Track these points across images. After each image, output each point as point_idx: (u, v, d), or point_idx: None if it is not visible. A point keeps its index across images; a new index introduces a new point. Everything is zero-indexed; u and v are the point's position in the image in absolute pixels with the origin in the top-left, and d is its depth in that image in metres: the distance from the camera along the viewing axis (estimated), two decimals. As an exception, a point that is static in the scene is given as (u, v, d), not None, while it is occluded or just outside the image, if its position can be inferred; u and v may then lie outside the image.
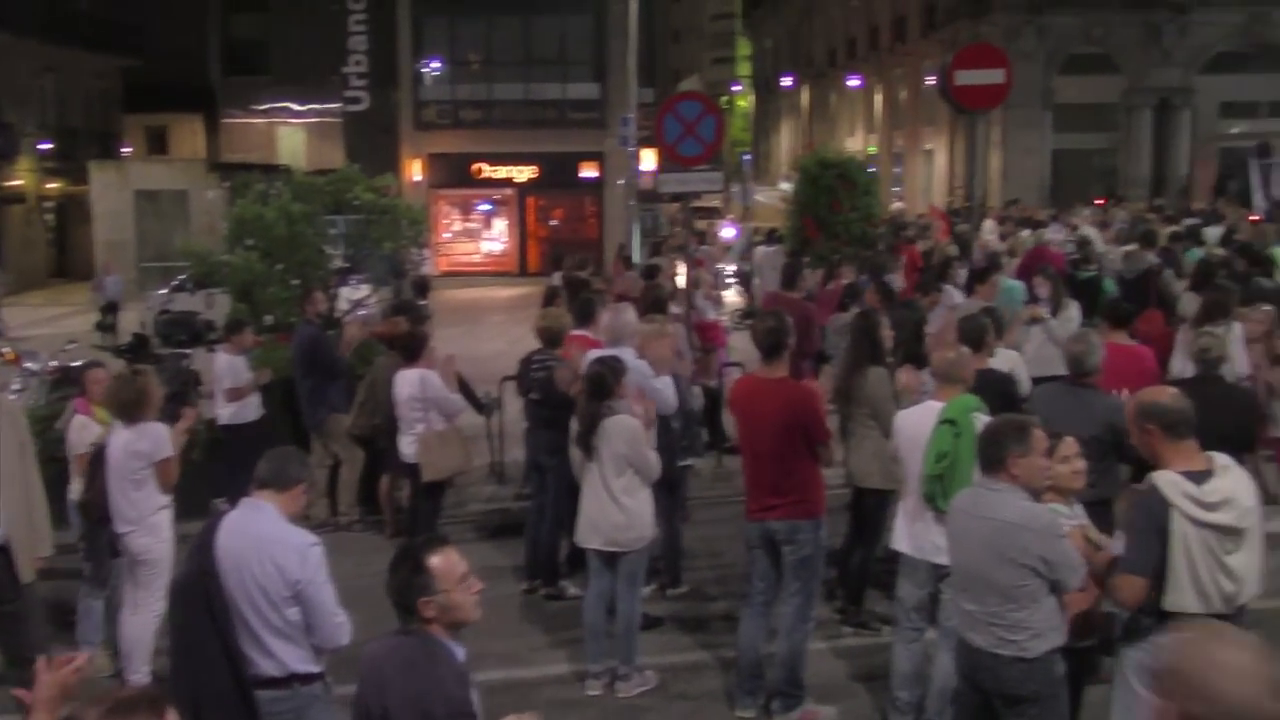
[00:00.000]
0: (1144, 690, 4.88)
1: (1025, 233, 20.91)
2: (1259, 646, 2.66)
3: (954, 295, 12.10)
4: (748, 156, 42.86)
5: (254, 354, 11.49)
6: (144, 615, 7.33)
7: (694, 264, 13.72)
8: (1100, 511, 6.36)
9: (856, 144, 54.59)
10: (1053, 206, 31.83)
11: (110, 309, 25.88)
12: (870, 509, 8.18)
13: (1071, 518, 5.31)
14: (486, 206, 37.32)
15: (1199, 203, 30.39)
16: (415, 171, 35.73)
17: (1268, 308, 9.79)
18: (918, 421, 6.62)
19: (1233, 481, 4.84)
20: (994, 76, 11.79)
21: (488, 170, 36.20)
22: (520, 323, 9.76)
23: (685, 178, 12.63)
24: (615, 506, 7.25)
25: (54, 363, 14.39)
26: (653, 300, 9.91)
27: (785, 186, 19.20)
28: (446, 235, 36.98)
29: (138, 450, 7.17)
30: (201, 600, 4.85)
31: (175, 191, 33.30)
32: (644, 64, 33.71)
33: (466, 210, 37.50)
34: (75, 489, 8.17)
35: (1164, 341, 10.81)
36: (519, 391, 9.68)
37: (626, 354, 8.18)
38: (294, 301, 12.42)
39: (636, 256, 23.83)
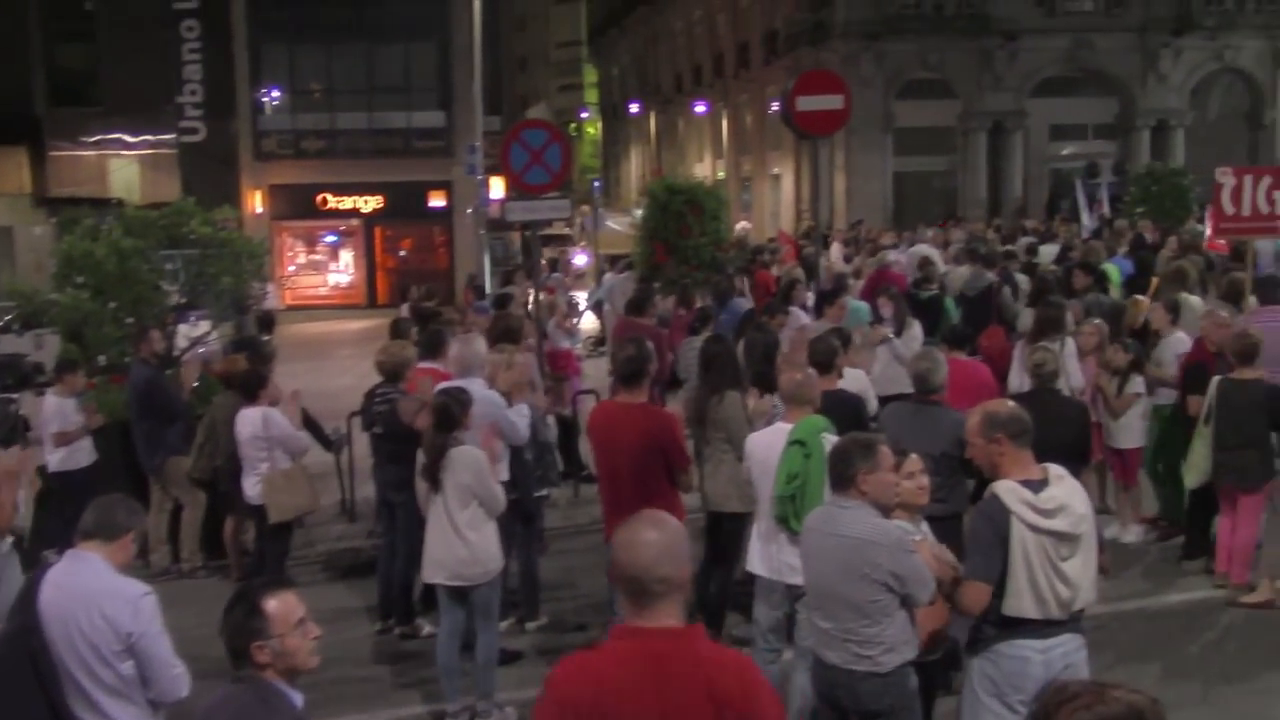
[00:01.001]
0: (989, 699, 5.01)
1: (889, 253, 21.41)
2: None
3: (801, 317, 12.33)
4: (597, 183, 43.05)
5: (87, 396, 11.05)
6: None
7: (546, 291, 13.70)
8: (948, 526, 6.53)
9: (705, 169, 55.39)
10: (896, 228, 32.72)
11: (-70, 353, 24.59)
12: (728, 533, 8.24)
13: (917, 534, 5.43)
14: (332, 238, 36.73)
15: (1033, 221, 31.55)
16: (256, 203, 34.97)
17: (1098, 321, 10.19)
18: (768, 444, 6.70)
19: (1067, 490, 5.03)
20: (834, 102, 12.05)
21: (333, 201, 35.64)
22: (370, 356, 9.59)
23: (533, 206, 12.62)
24: (460, 540, 7.15)
25: None
26: (503, 330, 9.85)
27: (640, 214, 19.33)
28: (291, 268, 36.28)
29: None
30: (25, 659, 4.61)
31: (-1, 228, 31.96)
32: (490, 91, 33.66)
33: (311, 242, 36.84)
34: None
35: (1006, 357, 11.19)
36: (363, 426, 9.52)
37: (476, 385, 8.10)
38: (128, 341, 12.00)
39: (488, 286, 23.70)
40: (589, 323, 21.69)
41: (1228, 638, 8.29)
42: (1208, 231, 18.99)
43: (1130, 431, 9.79)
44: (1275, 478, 8.70)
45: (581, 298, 23.11)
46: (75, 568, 4.77)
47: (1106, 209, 26.81)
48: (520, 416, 8.15)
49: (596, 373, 15.95)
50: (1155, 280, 13.52)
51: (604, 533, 7.24)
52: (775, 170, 49.17)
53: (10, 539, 7.00)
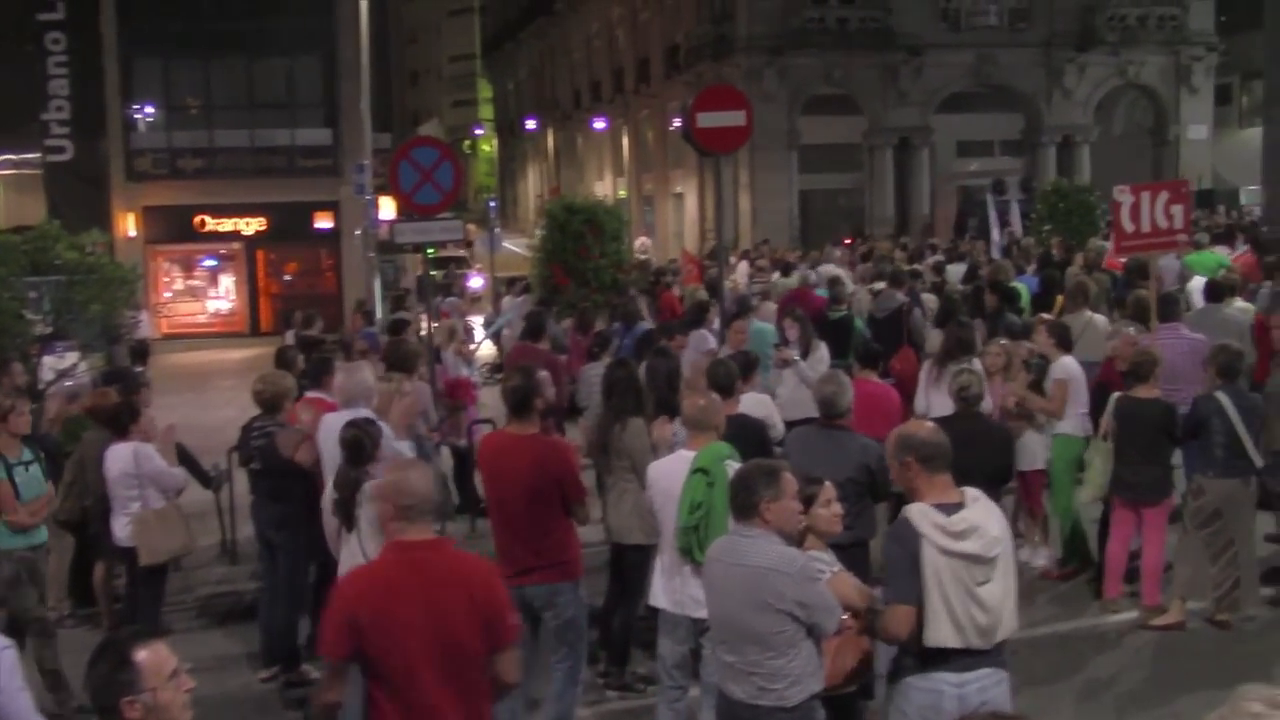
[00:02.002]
0: None
1: (776, 275, 21.68)
2: None
3: (709, 340, 12.39)
4: (493, 203, 42.91)
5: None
6: None
7: (440, 316, 13.62)
8: (855, 554, 6.61)
9: (605, 188, 55.61)
10: (802, 247, 33.13)
11: None
12: (631, 566, 8.23)
13: (835, 565, 5.48)
14: (211, 262, 36.08)
15: (939, 239, 32.20)
16: (129, 226, 34.24)
17: (1004, 341, 10.40)
18: (670, 472, 6.72)
19: (980, 512, 5.12)
20: (735, 118, 12.14)
21: (211, 223, 35.01)
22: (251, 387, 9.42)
23: (424, 227, 12.53)
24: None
25: None
26: (398, 357, 9.75)
27: (538, 234, 19.33)
28: (167, 295, 35.57)
29: None
30: None
31: None
32: (379, 107, 33.41)
33: (189, 267, 36.15)
34: None
35: (918, 379, 11.36)
36: (239, 462, 9.35)
37: (363, 415, 8.00)
38: (-13, 374, 11.62)
39: (379, 311, 23.48)
40: (486, 349, 21.59)
41: (1139, 661, 8.49)
42: (1108, 248, 19.55)
43: (1028, 454, 9.97)
44: (1173, 495, 8.97)
45: (477, 322, 23.01)
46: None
47: (1017, 227, 27.43)
48: (406, 451, 8.06)
49: (494, 401, 15.85)
50: (1061, 299, 13.85)
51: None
52: (678, 189, 49.53)
53: None
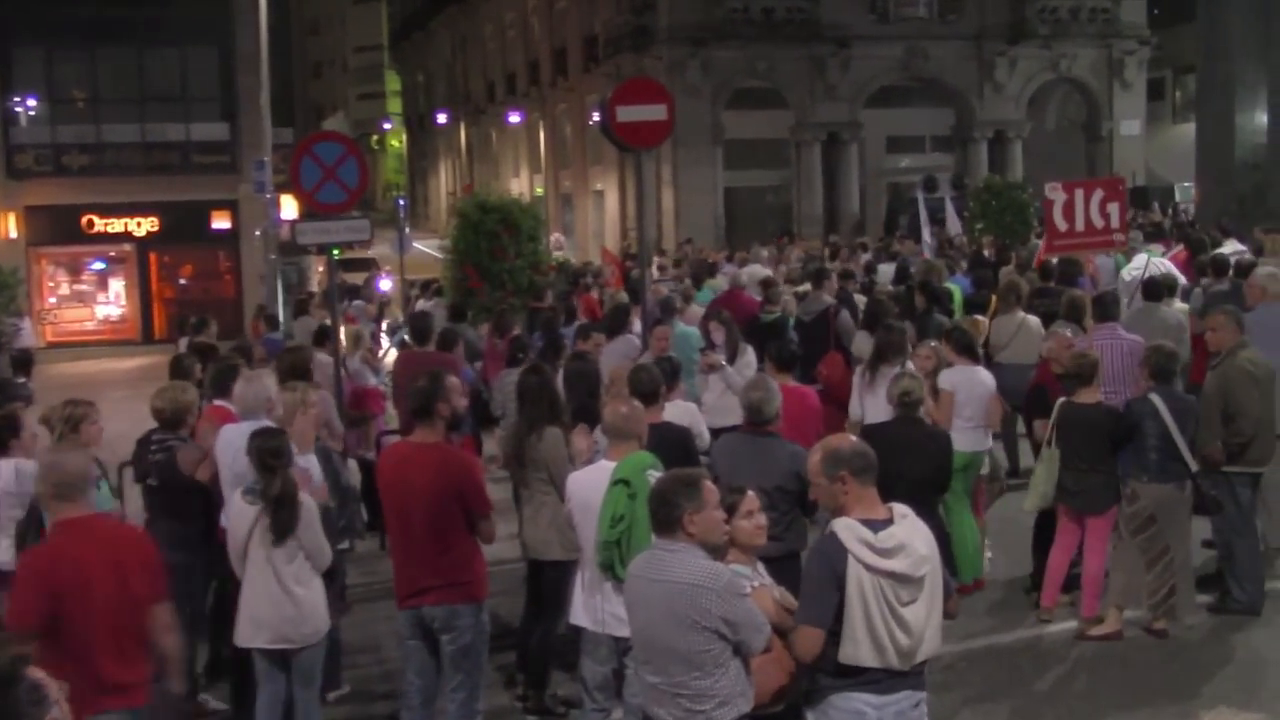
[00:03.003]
0: None
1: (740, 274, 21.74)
2: None
3: (634, 344, 12.40)
4: (402, 201, 42.62)
5: None
6: None
7: (346, 321, 13.49)
8: (785, 566, 6.63)
9: (521, 185, 55.53)
10: (727, 246, 33.30)
11: None
12: (550, 583, 8.20)
13: (756, 579, 5.49)
14: (100, 265, 35.48)
15: (869, 238, 32.53)
16: (9, 227, 33.57)
17: (934, 344, 10.51)
18: (590, 484, 6.71)
19: (908, 529, 5.15)
20: (656, 112, 12.15)
21: (100, 223, 34.41)
22: (146, 398, 9.23)
23: (328, 227, 12.42)
24: (287, 597, 6.94)
25: None
26: (290, 365, 9.63)
27: (453, 233, 19.20)
28: (52, 300, 34.94)
29: None
30: None
31: None
32: (280, 101, 33.07)
33: (76, 270, 35.52)
34: None
35: (846, 383, 11.46)
36: (135, 478, 9.18)
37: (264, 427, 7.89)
38: None
39: (281, 315, 23.22)
40: (394, 356, 21.44)
41: (1077, 672, 8.63)
42: (1041, 246, 19.89)
43: (973, 460, 10.10)
44: (1120, 502, 9.12)
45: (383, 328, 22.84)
46: None
47: (954, 225, 27.81)
48: (310, 464, 7.96)
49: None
50: (994, 299, 14.05)
51: (395, 591, 7.13)
52: (598, 186, 49.58)
53: None
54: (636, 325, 13.13)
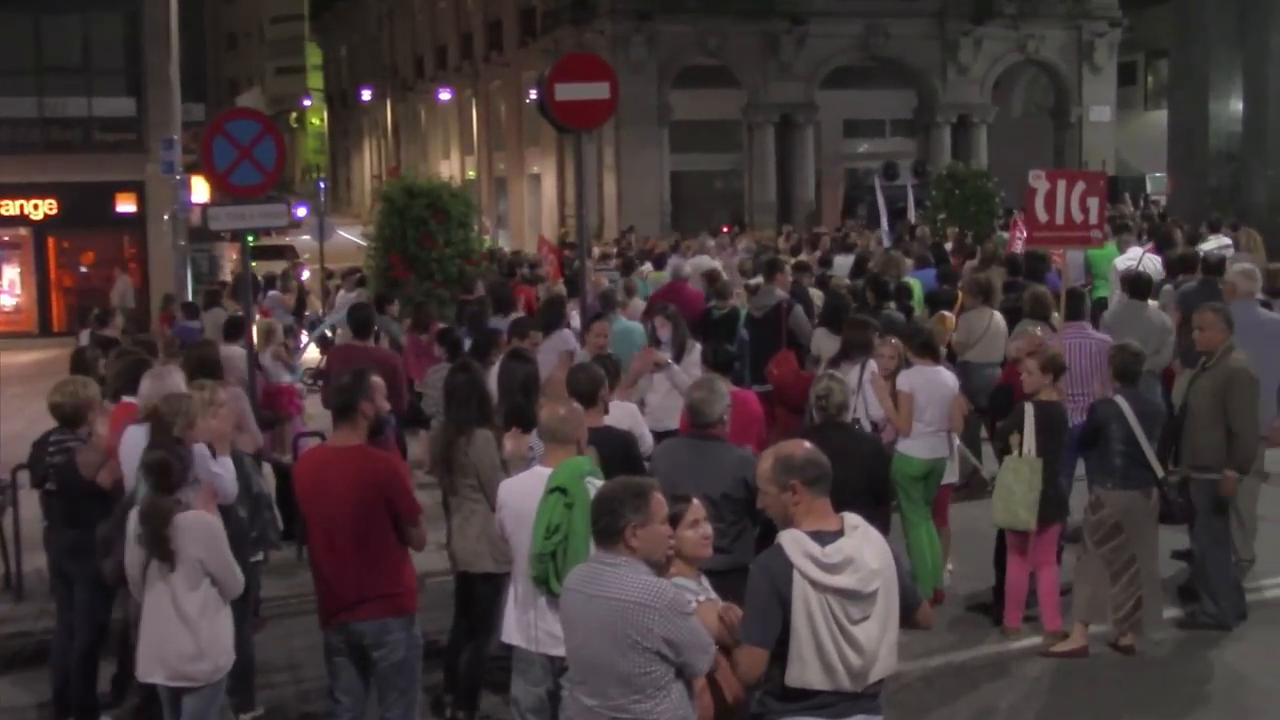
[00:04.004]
0: None
1: (646, 266, 21.82)
2: None
3: (571, 340, 12.39)
4: (323, 184, 42.41)
5: None
6: None
7: (260, 314, 13.41)
8: (733, 580, 6.64)
9: (452, 168, 55.34)
10: (673, 234, 33.38)
11: None
12: (480, 597, 8.20)
13: (699, 593, 5.51)
14: (-8, 251, 35.04)
15: (825, 228, 32.74)
16: (-109, 210, 33.07)
17: (895, 341, 10.57)
18: (525, 491, 6.71)
19: (858, 542, 5.15)
20: (598, 90, 12.15)
21: (-8, 206, 33.98)
22: (44, 394, 9.14)
23: (242, 211, 12.33)
24: (186, 630, 6.82)
25: None
26: (197, 361, 9.54)
27: (378, 219, 19.08)
28: (-61, 289, 34.48)
29: None
30: None
31: None
32: (191, 74, 32.76)
33: (-35, 257, 35.07)
34: None
35: (800, 385, 11.49)
36: (32, 483, 9.09)
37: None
38: None
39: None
40: (313, 352, 21.31)
41: (1039, 691, 8.73)
42: (1007, 238, 20.11)
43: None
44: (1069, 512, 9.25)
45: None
46: None
47: (913, 215, 28.04)
48: (224, 470, 7.91)
49: (323, 411, 15.66)
50: (960, 294, 14.16)
51: (319, 606, 7.09)
52: (534, 169, 49.56)
53: None
54: (575, 320, 13.13)
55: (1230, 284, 11.46)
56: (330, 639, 7.02)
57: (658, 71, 41.28)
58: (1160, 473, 9.02)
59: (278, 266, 32.22)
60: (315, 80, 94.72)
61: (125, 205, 34.36)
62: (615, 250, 26.02)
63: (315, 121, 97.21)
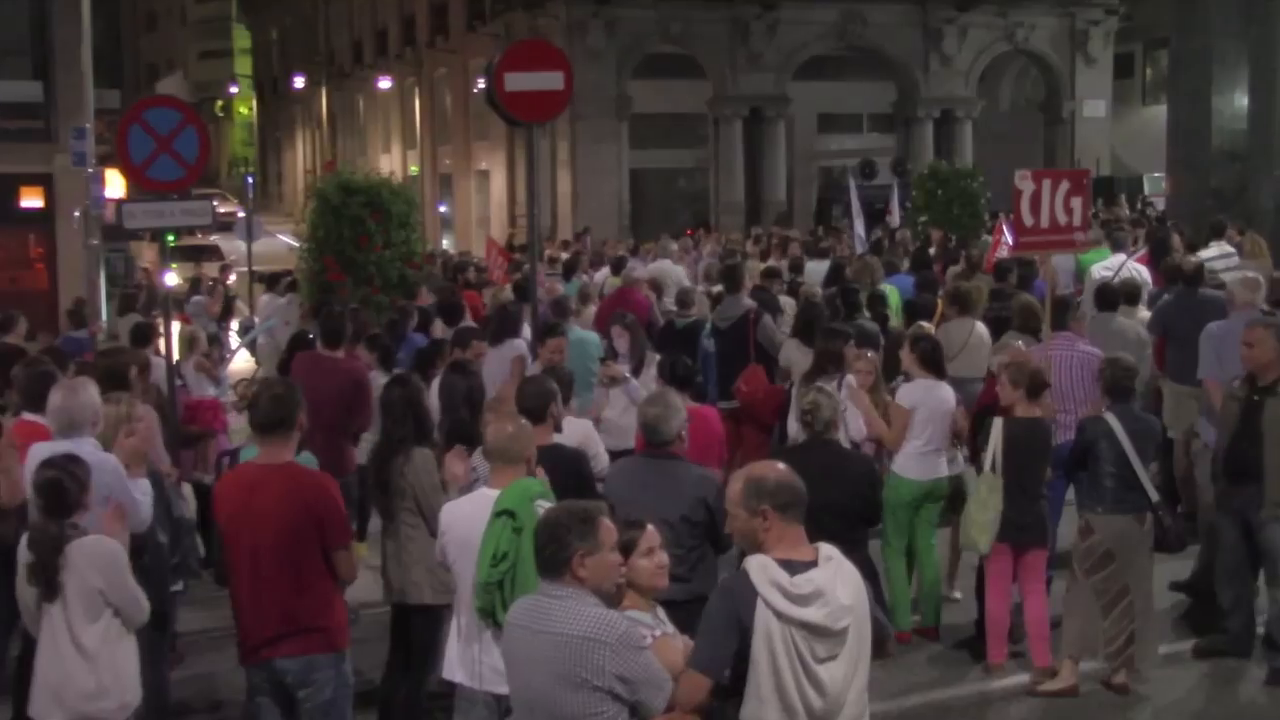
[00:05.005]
0: None
1: (602, 272, 21.82)
2: None
3: (522, 348, 12.38)
4: (251, 179, 42.22)
5: None
6: None
7: (180, 321, 13.36)
8: (692, 611, 6.66)
9: (393, 163, 55.21)
10: (632, 236, 33.41)
11: None
12: (419, 630, 8.20)
13: (655, 626, 5.52)
14: (-119, 251, 34.69)
15: (798, 231, 32.80)
16: None
17: (871, 354, 10.61)
18: (468, 516, 6.71)
19: (829, 574, 5.17)
20: (551, 80, 12.18)
21: (-117, 200, 33.65)
22: (-64, 411, 9.10)
23: (161, 208, 12.30)
24: (85, 665, 6.75)
25: None
26: (105, 372, 9.48)
27: (311, 218, 18.95)
28: None
29: None
30: None
31: None
32: (106, 57, 32.54)
33: None
34: None
35: (770, 401, 11.52)
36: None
37: (87, 447, 7.76)
38: None
39: (104, 311, 22.90)
40: (240, 363, 21.21)
41: (1024, 734, 8.79)
42: (992, 243, 20.21)
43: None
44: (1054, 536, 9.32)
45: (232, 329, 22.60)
46: None
47: (894, 217, 28.15)
48: (143, 494, 7.86)
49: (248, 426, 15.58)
50: (940, 303, 14.23)
51: (240, 642, 7.06)
52: (483, 165, 49.51)
53: None
54: (525, 329, 13.12)
55: (1230, 293, 11.53)
56: (252, 677, 6.99)
57: (616, 60, 41.26)
58: (1154, 496, 9.06)
59: (210, 269, 31.98)
60: (243, 65, 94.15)
61: (31, 200, 33.97)
62: (563, 254, 26.00)
63: (243, 111, 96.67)
